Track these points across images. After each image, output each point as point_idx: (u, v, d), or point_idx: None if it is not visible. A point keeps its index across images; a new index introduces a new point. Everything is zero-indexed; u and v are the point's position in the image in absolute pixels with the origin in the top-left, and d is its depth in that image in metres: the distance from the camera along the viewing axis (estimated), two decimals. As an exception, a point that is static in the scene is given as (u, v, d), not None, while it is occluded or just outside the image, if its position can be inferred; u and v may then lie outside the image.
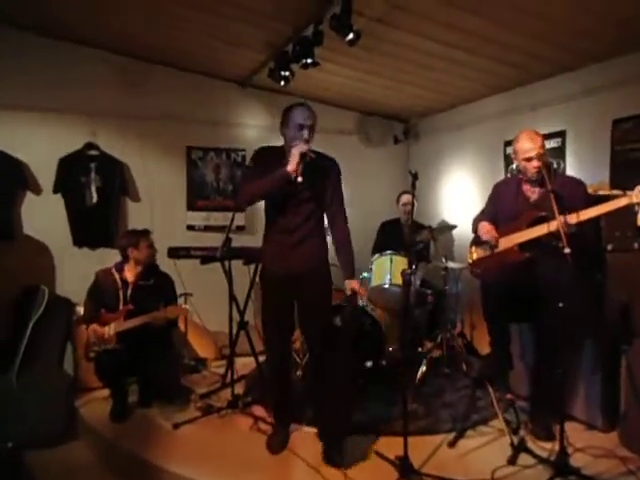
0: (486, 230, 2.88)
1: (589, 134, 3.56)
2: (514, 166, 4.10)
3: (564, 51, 3.40)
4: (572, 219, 2.42)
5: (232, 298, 3.34)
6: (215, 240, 3.57)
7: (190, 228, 4.69)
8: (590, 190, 2.92)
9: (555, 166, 3.75)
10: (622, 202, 2.32)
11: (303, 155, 2.43)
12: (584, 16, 2.90)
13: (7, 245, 4.02)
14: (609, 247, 2.87)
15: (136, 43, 4.16)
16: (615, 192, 3.15)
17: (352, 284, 2.63)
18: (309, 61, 3.40)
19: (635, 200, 2.24)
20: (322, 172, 2.61)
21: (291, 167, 2.42)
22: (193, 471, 2.49)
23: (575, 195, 2.65)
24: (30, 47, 4.05)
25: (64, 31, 4.00)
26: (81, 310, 3.64)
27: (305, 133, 2.55)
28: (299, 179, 2.49)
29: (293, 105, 2.63)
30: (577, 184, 2.78)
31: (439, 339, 3.96)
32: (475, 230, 3.04)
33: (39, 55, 4.09)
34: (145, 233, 3.42)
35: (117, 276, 3.34)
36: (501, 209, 2.96)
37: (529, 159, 2.70)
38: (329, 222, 2.72)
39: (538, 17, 2.95)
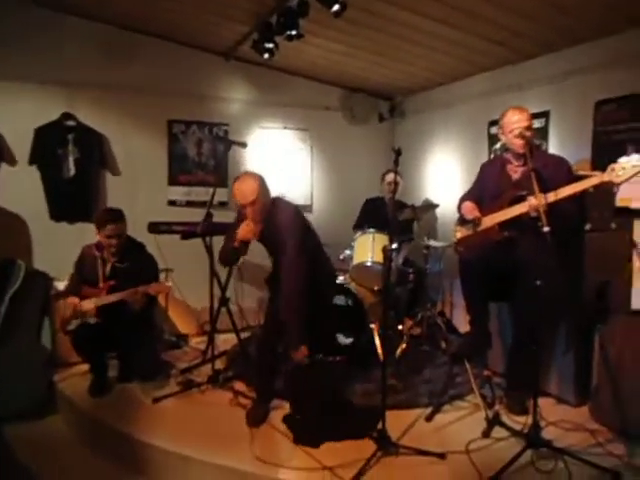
0: (469, 209, 2.90)
1: (572, 115, 3.57)
2: (498, 146, 4.10)
3: (548, 30, 3.38)
4: (550, 197, 2.44)
5: (213, 274, 3.31)
6: (197, 215, 3.52)
7: (171, 203, 4.62)
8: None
9: (539, 144, 3.77)
10: (594, 180, 2.36)
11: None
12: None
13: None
14: (587, 227, 2.91)
15: (118, 12, 4.01)
16: (595, 173, 3.19)
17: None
18: (293, 33, 3.33)
19: (606, 178, 2.28)
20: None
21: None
22: (173, 444, 2.51)
23: (558, 173, 2.66)
24: (6, 13, 3.88)
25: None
26: (59, 285, 3.60)
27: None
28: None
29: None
30: (561, 162, 2.79)
31: (419, 317, 4.01)
32: (460, 209, 3.05)
33: (16, 22, 3.92)
34: (109, 222, 3.17)
35: (97, 254, 3.28)
36: (486, 188, 2.98)
37: (515, 130, 2.70)
38: None
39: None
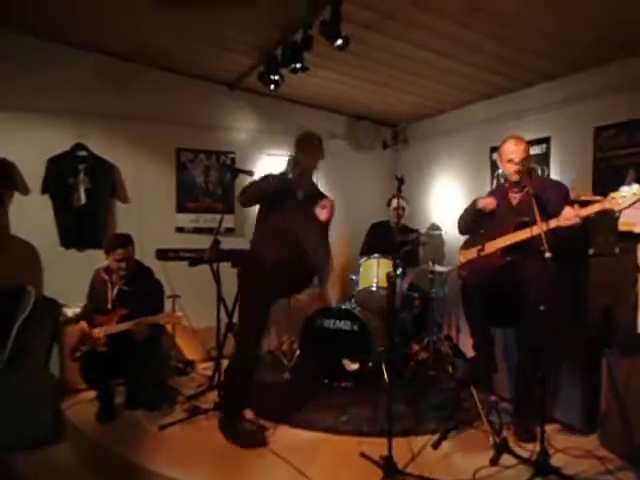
0: (487, 202, 2.95)
1: (572, 141, 3.63)
2: (500, 171, 4.16)
3: (547, 60, 3.47)
4: (552, 223, 2.48)
5: (220, 300, 3.35)
6: (204, 242, 3.57)
7: (179, 230, 4.69)
8: (572, 194, 2.99)
9: (540, 172, 3.82)
10: (596, 207, 2.41)
11: None
12: (566, 27, 2.97)
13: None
14: (591, 251, 2.93)
15: (126, 45, 4.16)
16: (596, 198, 3.23)
17: None
18: (298, 66, 3.43)
19: (608, 206, 2.33)
20: None
21: None
22: (178, 472, 2.50)
23: (556, 197, 2.71)
24: (20, 48, 4.04)
25: (53, 32, 3.99)
26: (68, 311, 3.64)
27: None
28: None
29: None
30: (558, 186, 2.86)
31: (425, 341, 4.01)
32: (462, 230, 3.09)
33: (29, 56, 4.08)
34: (118, 247, 3.28)
35: (106, 277, 3.35)
36: (487, 214, 3.02)
37: (510, 160, 2.79)
38: None
39: (523, 28, 3.02)
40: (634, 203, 2.28)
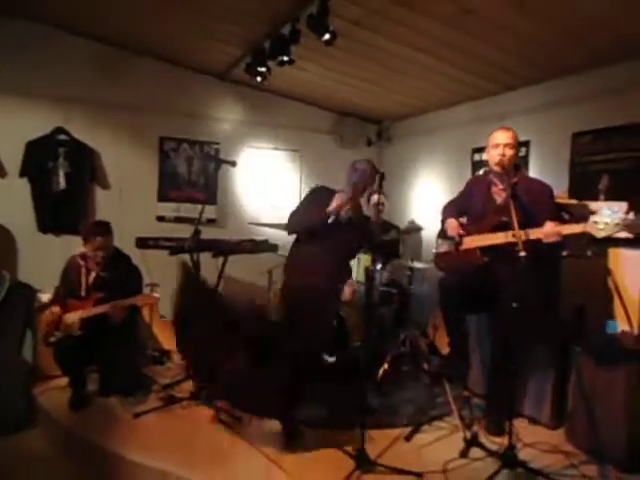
0: (452, 227, 2.98)
1: (551, 145, 3.72)
2: (481, 172, 4.22)
3: (532, 66, 3.55)
4: (534, 235, 2.50)
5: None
6: (185, 231, 3.56)
7: (160, 219, 4.66)
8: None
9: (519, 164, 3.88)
10: (576, 229, 2.43)
11: None
12: (548, 34, 3.03)
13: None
14: (564, 253, 3.01)
15: (113, 31, 4.11)
16: (572, 201, 3.33)
17: None
18: (285, 58, 3.44)
19: (589, 230, 2.33)
20: None
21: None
22: (152, 460, 2.50)
23: (540, 200, 2.73)
24: (4, 28, 3.95)
25: (39, 14, 3.92)
26: (43, 297, 3.59)
27: None
28: None
29: None
30: (543, 189, 2.83)
31: (402, 337, 4.06)
32: (444, 222, 3.13)
33: (11, 36, 3.99)
34: (97, 235, 3.23)
35: (82, 263, 3.30)
36: (471, 207, 3.04)
37: (496, 146, 2.78)
38: None
39: (511, 33, 3.08)
40: (614, 234, 2.29)
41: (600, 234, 2.30)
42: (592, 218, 2.32)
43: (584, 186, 3.38)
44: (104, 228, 3.30)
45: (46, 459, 2.83)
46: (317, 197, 3.14)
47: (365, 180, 3.08)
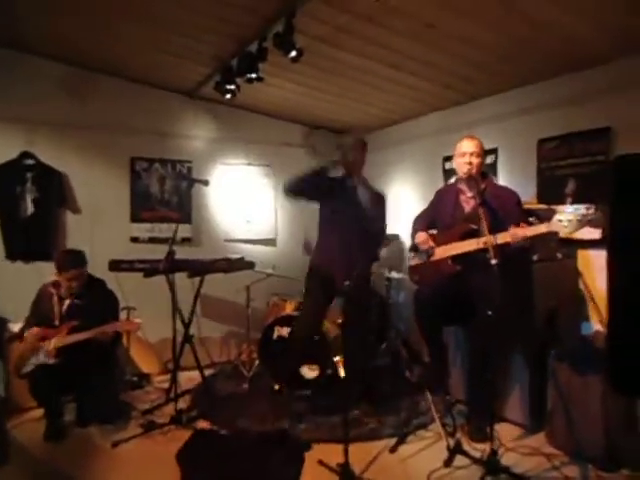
0: (422, 240, 3.02)
1: (518, 152, 3.81)
2: (452, 180, 4.30)
3: (493, 75, 3.64)
4: (499, 239, 2.56)
5: (176, 310, 3.30)
6: (161, 251, 3.51)
7: (134, 240, 4.58)
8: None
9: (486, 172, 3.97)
10: (541, 229, 2.49)
11: None
12: (508, 45, 3.12)
13: None
14: (535, 257, 3.08)
15: (77, 52, 4.05)
16: (540, 206, 3.40)
17: None
18: (253, 76, 3.45)
19: (554, 229, 2.40)
20: None
21: None
22: (133, 490, 2.44)
23: (508, 206, 2.80)
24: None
25: (3, 38, 3.84)
26: (13, 327, 3.48)
27: None
28: None
29: None
30: (511, 195, 2.92)
31: (383, 347, 4.07)
32: (414, 236, 3.17)
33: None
34: (71, 267, 3.17)
35: (54, 291, 3.23)
36: (440, 216, 3.11)
37: (462, 154, 2.86)
38: None
39: (469, 44, 3.14)
40: (579, 229, 2.34)
41: (565, 231, 2.37)
42: (556, 217, 2.39)
43: (551, 191, 3.47)
44: (78, 259, 3.24)
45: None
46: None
47: (347, 154, 3.37)
